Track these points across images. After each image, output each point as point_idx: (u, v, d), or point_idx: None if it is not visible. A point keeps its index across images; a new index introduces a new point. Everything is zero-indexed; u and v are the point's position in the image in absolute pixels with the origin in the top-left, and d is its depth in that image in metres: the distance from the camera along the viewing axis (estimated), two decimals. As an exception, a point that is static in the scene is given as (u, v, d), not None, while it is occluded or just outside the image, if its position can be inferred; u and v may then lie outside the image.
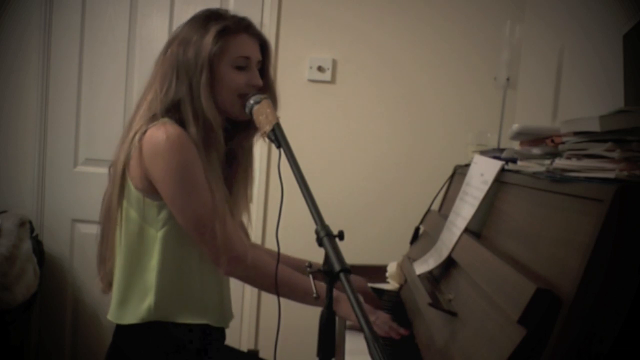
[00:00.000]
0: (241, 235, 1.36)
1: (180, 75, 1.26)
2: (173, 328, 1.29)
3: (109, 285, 1.35)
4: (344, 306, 1.31)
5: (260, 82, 1.33)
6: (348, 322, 1.38)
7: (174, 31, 1.34)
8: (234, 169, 1.40)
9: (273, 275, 1.20)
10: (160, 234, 1.26)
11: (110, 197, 1.30)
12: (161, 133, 1.20)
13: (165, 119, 1.24)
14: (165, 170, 1.21)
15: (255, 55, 1.33)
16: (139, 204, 1.26)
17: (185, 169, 1.22)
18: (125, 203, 1.28)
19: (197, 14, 1.32)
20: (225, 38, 1.27)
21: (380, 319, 1.31)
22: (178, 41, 1.29)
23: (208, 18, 1.30)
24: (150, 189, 1.25)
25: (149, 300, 1.27)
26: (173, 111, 1.26)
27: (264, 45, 1.37)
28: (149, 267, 1.27)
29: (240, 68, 1.30)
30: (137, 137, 1.23)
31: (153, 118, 1.25)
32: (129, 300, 1.29)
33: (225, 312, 1.38)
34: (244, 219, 1.50)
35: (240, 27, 1.31)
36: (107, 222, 1.32)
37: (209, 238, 1.25)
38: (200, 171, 1.24)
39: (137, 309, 1.28)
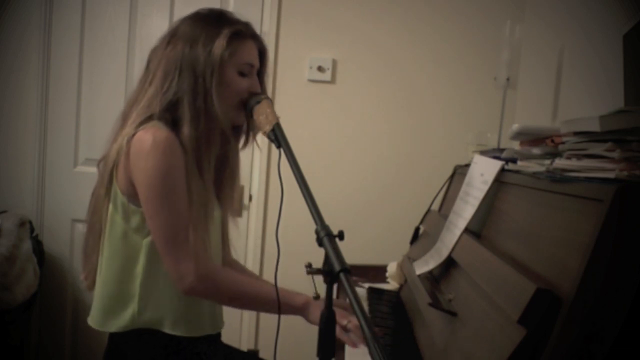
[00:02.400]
0: (210, 254, 1.31)
1: (183, 73, 1.25)
2: (162, 332, 1.28)
3: (93, 283, 1.34)
4: (314, 311, 1.31)
5: (260, 89, 1.34)
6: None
7: (173, 26, 1.32)
8: (222, 171, 1.40)
9: (239, 291, 1.27)
10: (145, 242, 1.25)
11: (97, 195, 1.30)
12: (149, 136, 1.19)
13: (155, 122, 1.22)
14: (145, 171, 1.19)
15: (257, 63, 1.35)
16: (124, 209, 1.25)
17: (165, 173, 1.19)
18: (111, 207, 1.26)
19: (201, 13, 1.31)
20: (235, 42, 1.27)
21: (353, 323, 1.28)
22: (182, 38, 1.27)
23: (216, 18, 1.29)
24: (135, 194, 1.23)
25: (132, 308, 1.26)
26: (171, 110, 1.25)
27: (262, 52, 1.37)
28: (133, 274, 1.26)
29: (243, 74, 1.31)
30: (125, 139, 1.22)
31: (149, 119, 1.23)
32: (112, 307, 1.28)
33: (211, 320, 1.36)
34: (233, 225, 1.49)
35: (248, 32, 1.31)
36: (94, 215, 1.31)
37: (174, 250, 1.21)
38: (181, 179, 1.22)
39: (120, 316, 1.27)
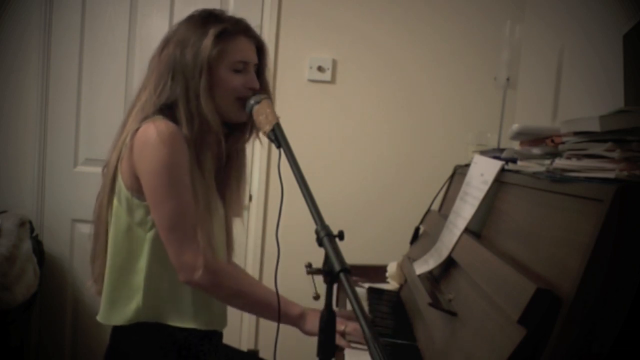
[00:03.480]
0: (216, 251, 1.31)
1: (176, 76, 1.25)
2: (167, 328, 1.29)
3: (101, 286, 1.34)
4: (310, 322, 1.31)
5: (257, 84, 1.33)
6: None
7: (169, 31, 1.33)
8: (227, 170, 1.40)
9: (242, 290, 1.27)
10: (149, 236, 1.26)
11: (101, 202, 1.31)
12: (152, 128, 1.20)
13: (158, 116, 1.23)
14: (150, 161, 1.20)
15: (253, 58, 1.34)
16: (128, 203, 1.26)
17: (170, 163, 1.20)
18: (115, 201, 1.27)
19: (194, 15, 1.31)
20: (224, 41, 1.27)
21: (350, 327, 1.28)
22: (174, 42, 1.27)
23: (206, 19, 1.29)
24: (138, 188, 1.24)
25: (136, 301, 1.26)
26: (166, 112, 1.25)
27: (260, 48, 1.37)
28: (137, 268, 1.27)
29: (238, 71, 1.30)
30: (129, 136, 1.23)
31: (145, 119, 1.24)
32: (117, 300, 1.29)
33: (215, 316, 1.37)
34: (239, 222, 1.49)
35: (238, 29, 1.30)
36: (98, 222, 1.32)
37: (179, 240, 1.22)
38: (186, 171, 1.23)
39: (125, 310, 1.27)
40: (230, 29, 1.28)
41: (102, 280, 1.33)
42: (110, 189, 1.28)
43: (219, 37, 1.26)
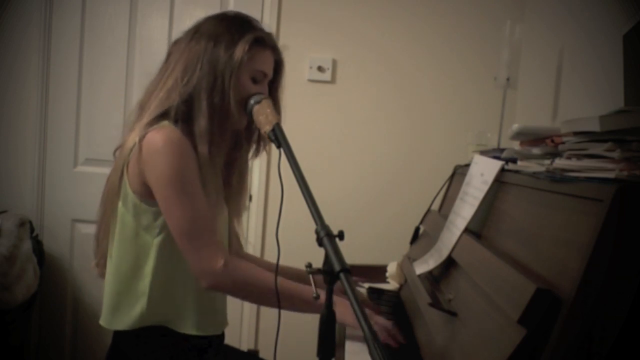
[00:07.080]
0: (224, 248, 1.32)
1: (203, 69, 1.26)
2: (170, 332, 1.28)
3: (104, 269, 1.34)
4: (339, 309, 1.29)
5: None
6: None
7: (198, 23, 1.34)
8: (230, 176, 1.40)
9: (266, 286, 1.21)
10: (156, 241, 1.25)
11: (112, 182, 1.29)
12: (160, 135, 1.20)
13: (167, 123, 1.23)
14: (161, 170, 1.20)
15: (271, 73, 1.37)
16: (135, 208, 1.25)
17: (181, 172, 1.20)
18: (122, 208, 1.26)
19: (228, 15, 1.34)
20: (255, 48, 1.29)
21: (379, 325, 1.28)
22: (206, 35, 1.28)
23: (242, 22, 1.31)
24: (146, 194, 1.24)
25: (140, 306, 1.26)
26: (186, 103, 1.26)
27: (278, 64, 1.39)
28: (142, 273, 1.26)
29: (255, 81, 1.32)
30: (137, 139, 1.23)
31: (162, 116, 1.24)
32: (120, 306, 1.28)
33: (217, 322, 1.36)
34: (237, 226, 1.49)
35: (269, 42, 1.33)
36: (108, 200, 1.31)
37: (196, 246, 1.21)
38: (196, 177, 1.23)
39: (129, 315, 1.27)
40: (265, 40, 1.31)
41: (105, 264, 1.33)
42: (119, 183, 1.26)
43: (253, 44, 1.28)
